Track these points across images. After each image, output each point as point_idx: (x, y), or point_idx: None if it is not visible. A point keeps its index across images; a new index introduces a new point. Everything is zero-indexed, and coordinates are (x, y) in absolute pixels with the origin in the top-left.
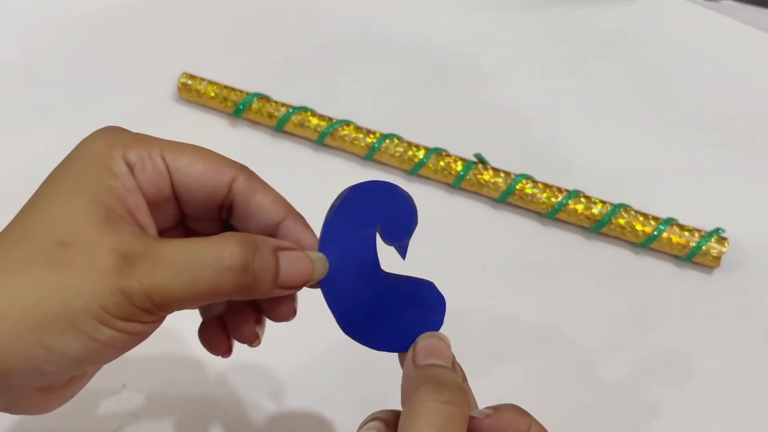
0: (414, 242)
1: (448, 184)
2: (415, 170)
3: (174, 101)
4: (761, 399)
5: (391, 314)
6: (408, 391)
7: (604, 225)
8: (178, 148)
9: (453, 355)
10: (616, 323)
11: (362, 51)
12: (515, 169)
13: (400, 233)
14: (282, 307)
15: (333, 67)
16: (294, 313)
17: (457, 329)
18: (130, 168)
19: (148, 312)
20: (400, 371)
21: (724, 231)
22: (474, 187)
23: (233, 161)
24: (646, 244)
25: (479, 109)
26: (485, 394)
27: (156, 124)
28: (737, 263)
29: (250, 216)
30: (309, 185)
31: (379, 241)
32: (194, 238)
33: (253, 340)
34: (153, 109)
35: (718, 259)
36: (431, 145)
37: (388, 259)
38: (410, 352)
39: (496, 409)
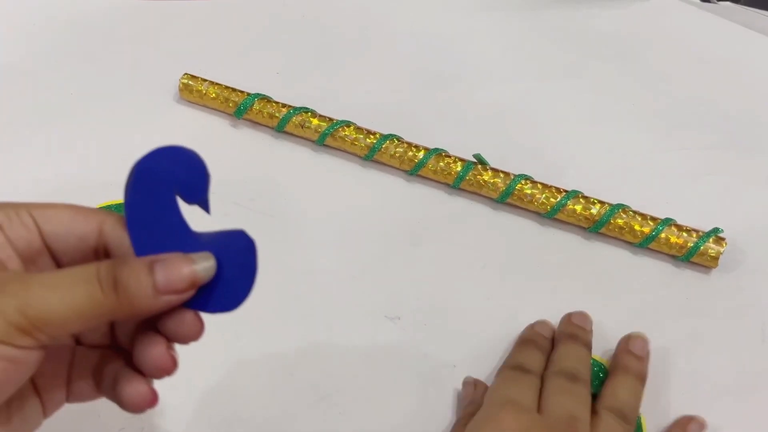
0: (414, 242)
1: (447, 185)
2: (414, 171)
3: (175, 102)
4: (759, 399)
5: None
6: None
7: (602, 225)
8: (44, 205)
9: None
10: (614, 323)
11: (362, 51)
12: (514, 169)
13: (198, 191)
14: (186, 324)
15: (333, 68)
16: (201, 326)
17: (457, 330)
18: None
19: (23, 332)
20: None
21: (722, 231)
22: (473, 188)
23: (100, 210)
24: (645, 245)
25: (479, 109)
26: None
27: (157, 125)
28: (735, 263)
29: (127, 255)
30: (309, 186)
31: (183, 204)
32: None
33: (170, 364)
34: (154, 110)
35: (716, 259)
36: (431, 145)
37: None
38: None
39: None
